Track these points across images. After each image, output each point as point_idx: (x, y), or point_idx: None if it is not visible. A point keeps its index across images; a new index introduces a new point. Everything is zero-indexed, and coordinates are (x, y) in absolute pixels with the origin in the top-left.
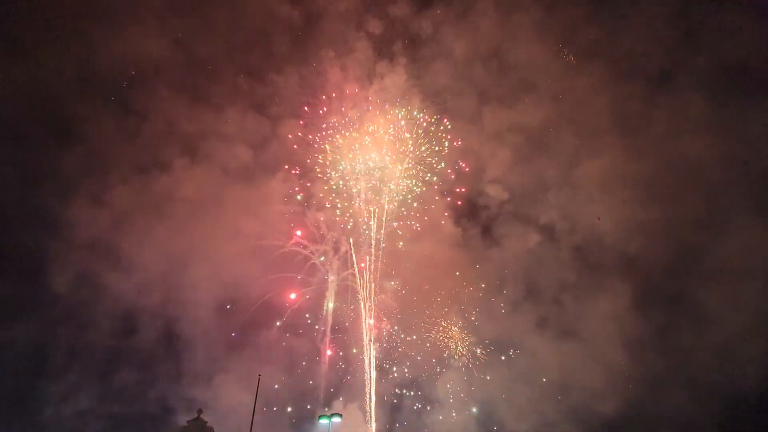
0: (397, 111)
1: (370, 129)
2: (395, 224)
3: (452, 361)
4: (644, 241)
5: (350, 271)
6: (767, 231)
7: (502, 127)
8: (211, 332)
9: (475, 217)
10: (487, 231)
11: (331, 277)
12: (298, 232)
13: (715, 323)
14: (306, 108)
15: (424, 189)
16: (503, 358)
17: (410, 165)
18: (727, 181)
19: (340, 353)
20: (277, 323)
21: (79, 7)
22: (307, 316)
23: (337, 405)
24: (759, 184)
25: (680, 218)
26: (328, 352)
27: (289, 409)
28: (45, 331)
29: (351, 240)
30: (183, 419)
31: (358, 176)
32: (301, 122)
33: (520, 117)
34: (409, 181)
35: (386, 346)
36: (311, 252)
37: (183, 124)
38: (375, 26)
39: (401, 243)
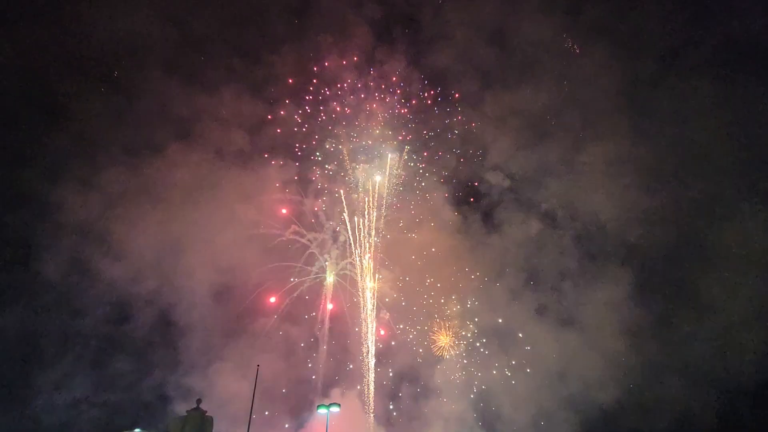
0: (396, 97)
1: (368, 115)
2: (395, 210)
3: (450, 349)
4: (645, 228)
5: (349, 260)
6: None
7: (505, 112)
8: (207, 320)
9: (475, 204)
10: (487, 218)
11: (329, 266)
12: (284, 210)
13: (715, 312)
14: (304, 94)
15: (425, 175)
16: (502, 346)
17: (410, 150)
18: (731, 167)
19: (338, 342)
20: (275, 316)
21: None
22: (306, 297)
23: (336, 393)
24: (765, 170)
25: (683, 205)
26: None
27: (287, 398)
28: (35, 319)
29: (350, 228)
30: (179, 408)
31: (357, 163)
32: (300, 110)
33: (523, 100)
34: (409, 166)
35: (385, 335)
36: (308, 240)
37: (176, 105)
38: (374, 11)
39: (401, 231)
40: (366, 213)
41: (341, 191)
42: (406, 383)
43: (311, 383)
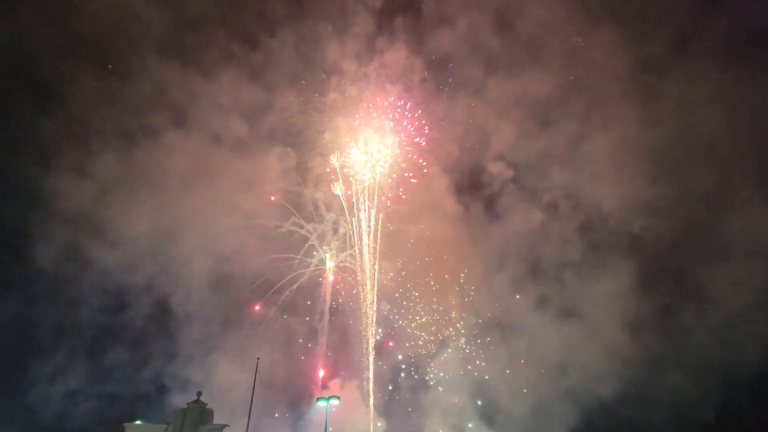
0: (397, 87)
1: (369, 105)
2: (396, 201)
3: (450, 341)
4: (649, 219)
5: (350, 251)
6: None
7: (509, 100)
8: (205, 310)
9: (477, 194)
10: (489, 208)
11: (329, 258)
12: (281, 200)
13: (718, 303)
14: (303, 82)
15: (427, 164)
16: (502, 337)
17: (412, 140)
18: (737, 156)
19: (338, 333)
20: (273, 309)
21: None
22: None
23: (335, 384)
24: None
25: (687, 196)
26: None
27: (287, 390)
28: (29, 309)
29: (350, 219)
30: (177, 399)
31: (358, 154)
32: (300, 97)
33: (527, 87)
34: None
35: (385, 326)
36: (307, 231)
37: (171, 88)
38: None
39: (402, 222)
40: (365, 205)
41: (342, 183)
42: (406, 374)
43: (310, 375)
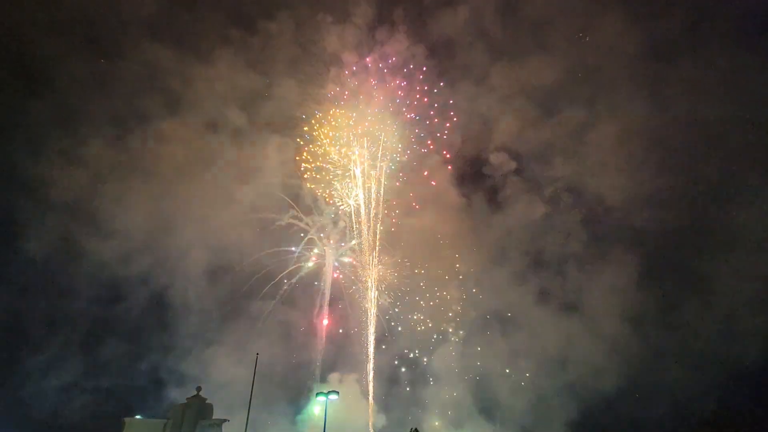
0: (398, 79)
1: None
2: (397, 193)
3: (449, 334)
4: (653, 211)
5: (349, 245)
6: None
7: (512, 88)
8: (203, 303)
9: (480, 185)
10: (491, 199)
11: (329, 252)
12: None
13: (721, 296)
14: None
15: (429, 155)
16: (503, 331)
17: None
18: (744, 146)
19: (340, 330)
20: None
21: None
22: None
23: (334, 378)
24: None
25: (693, 187)
26: (325, 321)
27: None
28: (20, 300)
29: (351, 212)
30: (174, 393)
31: (358, 146)
32: (299, 88)
33: (531, 74)
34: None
35: (386, 319)
36: (306, 224)
37: (164, 72)
38: None
39: (402, 214)
40: (365, 198)
41: (343, 176)
42: (406, 367)
43: (310, 369)
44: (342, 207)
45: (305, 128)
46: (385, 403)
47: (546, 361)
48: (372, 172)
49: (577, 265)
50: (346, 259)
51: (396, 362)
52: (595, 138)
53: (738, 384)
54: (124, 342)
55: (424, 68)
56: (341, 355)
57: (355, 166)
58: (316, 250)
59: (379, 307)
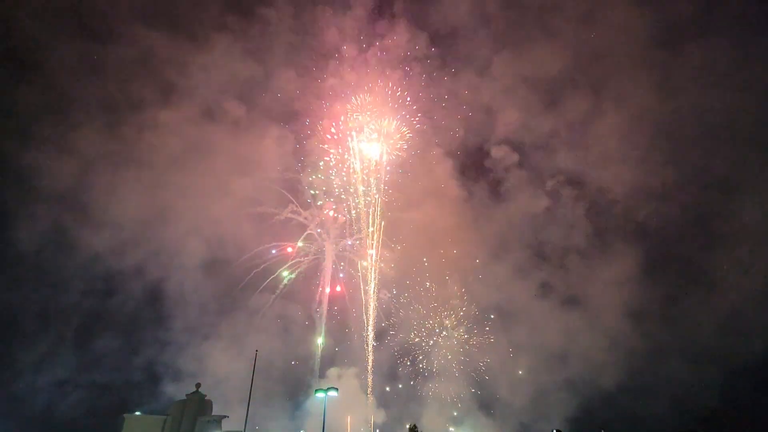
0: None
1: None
2: (397, 185)
3: (449, 329)
4: (656, 205)
5: (349, 239)
6: None
7: (515, 77)
8: (200, 297)
9: (481, 177)
10: (493, 191)
11: (328, 246)
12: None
13: (725, 290)
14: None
15: (430, 147)
16: (503, 325)
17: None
18: (752, 137)
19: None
20: (272, 296)
21: None
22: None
23: (334, 373)
24: None
25: (697, 179)
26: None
27: (285, 380)
28: (11, 293)
29: (350, 205)
30: (170, 388)
31: (358, 140)
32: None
33: (535, 63)
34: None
35: (385, 315)
36: (305, 218)
37: (159, 58)
38: None
39: (403, 207)
40: (364, 191)
41: (343, 169)
42: (405, 362)
43: (309, 364)
44: (341, 201)
45: (307, 121)
46: (383, 398)
47: (546, 356)
48: (372, 165)
49: (579, 258)
50: (345, 254)
51: (394, 358)
52: (599, 129)
53: (740, 379)
54: (118, 336)
55: (426, 60)
56: (341, 350)
57: (356, 159)
58: (316, 245)
59: (378, 301)
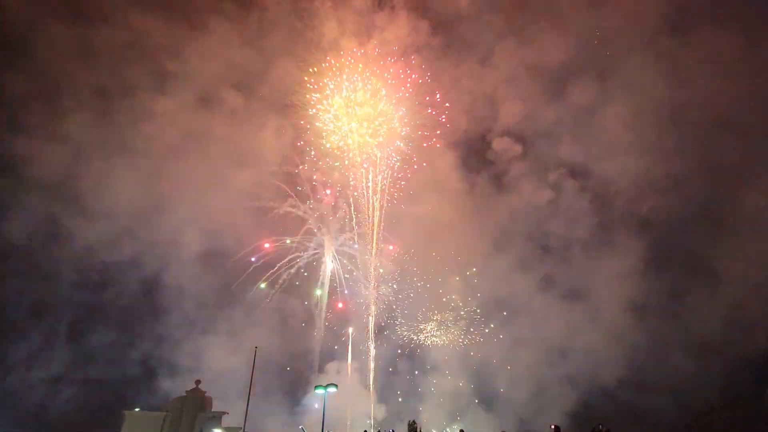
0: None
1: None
2: (398, 178)
3: (450, 324)
4: (661, 197)
5: (349, 234)
6: None
7: (518, 67)
8: (196, 291)
9: (483, 169)
10: (495, 184)
11: (327, 241)
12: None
13: (729, 283)
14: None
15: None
16: (504, 319)
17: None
18: (760, 128)
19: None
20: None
21: None
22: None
23: (333, 369)
24: None
25: (703, 171)
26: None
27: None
28: (2, 286)
29: (350, 200)
30: (166, 384)
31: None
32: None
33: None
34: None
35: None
36: (304, 212)
37: (152, 40)
38: None
39: (404, 201)
40: (367, 184)
41: (342, 164)
42: (404, 358)
43: (308, 360)
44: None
45: (309, 111)
46: (383, 393)
47: (548, 351)
48: (373, 158)
49: (582, 251)
50: (344, 249)
51: (394, 353)
52: (604, 119)
53: (743, 374)
54: (113, 330)
55: (428, 50)
56: (339, 346)
57: (356, 151)
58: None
59: (378, 296)
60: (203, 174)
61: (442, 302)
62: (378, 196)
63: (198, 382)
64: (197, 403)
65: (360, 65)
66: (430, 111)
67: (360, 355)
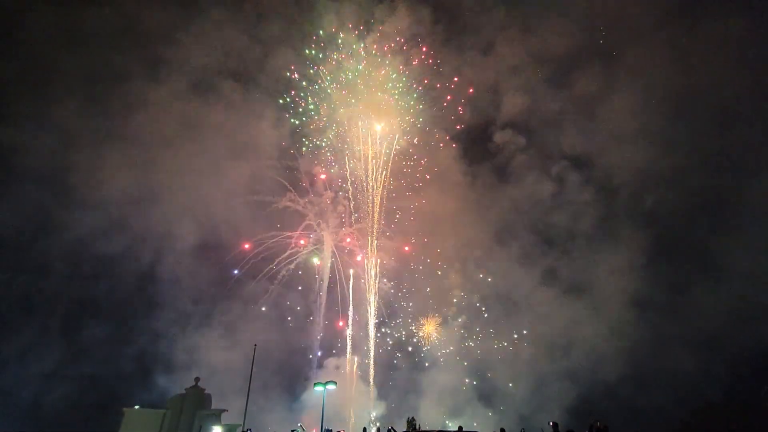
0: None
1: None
2: (399, 171)
3: (450, 320)
4: (665, 189)
5: (348, 229)
6: None
7: (522, 57)
8: (193, 286)
9: (485, 161)
10: (497, 176)
11: (326, 236)
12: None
13: (732, 278)
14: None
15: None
16: (505, 314)
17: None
18: (764, 119)
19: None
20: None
21: None
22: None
23: (333, 365)
24: None
25: (708, 162)
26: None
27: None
28: None
29: (350, 194)
30: (163, 380)
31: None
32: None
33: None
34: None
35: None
36: (303, 206)
37: (145, 24)
38: None
39: (405, 194)
40: (367, 178)
41: (342, 158)
42: (404, 352)
43: (307, 356)
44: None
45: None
46: (382, 389)
47: (549, 346)
48: (373, 150)
49: (585, 244)
50: (344, 245)
51: (394, 348)
52: (608, 109)
53: (746, 370)
54: (107, 325)
55: (428, 41)
56: (339, 342)
57: (356, 144)
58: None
59: (378, 291)
60: (198, 164)
61: (442, 296)
62: (378, 189)
63: (197, 379)
64: (197, 401)
65: (360, 55)
66: (432, 104)
67: (360, 350)
